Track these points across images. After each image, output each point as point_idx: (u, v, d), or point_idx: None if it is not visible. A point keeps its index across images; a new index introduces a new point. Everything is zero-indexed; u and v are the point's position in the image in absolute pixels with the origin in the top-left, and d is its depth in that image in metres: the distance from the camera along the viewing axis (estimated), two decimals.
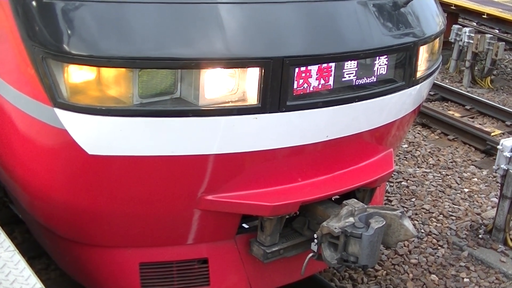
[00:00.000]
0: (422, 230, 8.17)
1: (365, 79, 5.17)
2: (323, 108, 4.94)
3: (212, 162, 4.77)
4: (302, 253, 5.46)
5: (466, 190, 9.42)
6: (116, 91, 4.43)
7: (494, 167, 7.87)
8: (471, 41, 14.31)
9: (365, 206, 5.21)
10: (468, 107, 12.91)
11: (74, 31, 4.34)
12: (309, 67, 4.76)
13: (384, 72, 5.28)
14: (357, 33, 5.06)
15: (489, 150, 10.73)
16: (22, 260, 4.07)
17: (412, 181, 9.49)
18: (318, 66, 4.81)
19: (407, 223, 5.16)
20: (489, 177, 9.91)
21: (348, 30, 5.03)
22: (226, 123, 4.61)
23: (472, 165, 10.40)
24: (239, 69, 4.62)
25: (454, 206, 8.85)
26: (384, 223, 5.04)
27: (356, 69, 5.05)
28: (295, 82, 4.72)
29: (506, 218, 7.80)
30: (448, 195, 9.17)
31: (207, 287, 5.46)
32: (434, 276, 7.31)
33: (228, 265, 5.51)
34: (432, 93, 13.11)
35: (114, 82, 4.42)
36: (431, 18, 5.86)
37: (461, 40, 14.61)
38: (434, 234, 8.11)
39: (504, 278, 7.38)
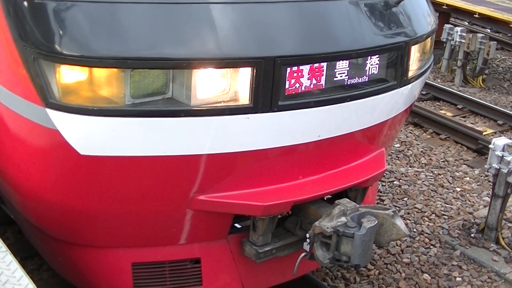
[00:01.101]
0: (414, 230, 8.19)
1: (357, 78, 5.18)
2: (315, 108, 4.94)
3: (204, 162, 4.77)
4: (295, 252, 5.47)
5: (458, 189, 9.43)
6: (108, 91, 4.43)
7: (486, 166, 7.88)
8: (463, 41, 14.34)
9: (357, 205, 5.22)
10: (460, 107, 12.93)
11: (66, 31, 4.34)
12: (301, 67, 4.77)
13: (375, 72, 5.29)
14: (348, 33, 5.07)
15: (481, 149, 10.75)
16: (14, 261, 4.06)
17: (404, 181, 9.50)
18: (310, 66, 4.82)
19: (399, 222, 5.17)
20: (481, 176, 9.93)
21: (339, 30, 5.04)
22: (218, 123, 4.62)
23: (464, 164, 10.42)
24: (231, 69, 4.62)
25: (446, 205, 8.87)
26: (376, 222, 5.05)
27: (348, 68, 5.06)
28: (287, 82, 4.73)
29: (498, 217, 7.82)
30: (440, 194, 9.19)
31: (199, 287, 5.46)
32: (427, 275, 7.32)
33: (221, 265, 5.51)
34: (424, 92, 13.14)
35: (106, 82, 4.42)
36: (423, 18, 5.87)
37: (452, 40, 14.64)
38: (426, 233, 8.13)
39: (496, 277, 7.40)
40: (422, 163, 10.25)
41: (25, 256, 6.66)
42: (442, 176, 9.82)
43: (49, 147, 4.69)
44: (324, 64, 4.89)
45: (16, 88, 4.61)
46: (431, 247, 7.87)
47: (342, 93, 5.10)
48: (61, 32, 4.34)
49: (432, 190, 9.28)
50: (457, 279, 7.32)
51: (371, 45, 5.16)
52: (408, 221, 8.35)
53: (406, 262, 7.52)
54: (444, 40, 14.89)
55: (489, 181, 9.28)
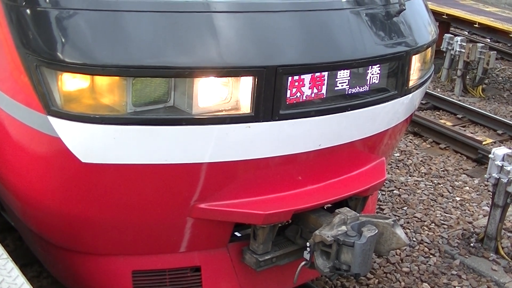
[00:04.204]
0: (414, 239, 8.19)
1: (357, 88, 5.19)
2: (316, 117, 4.95)
3: (205, 170, 4.78)
4: (295, 261, 5.47)
5: (457, 198, 9.44)
6: (110, 100, 4.44)
7: (485, 176, 7.90)
8: (463, 50, 14.34)
9: (358, 214, 5.23)
10: (459, 116, 12.93)
11: (68, 39, 4.35)
12: (302, 76, 4.78)
13: (376, 81, 5.30)
14: (350, 42, 5.09)
15: (481, 159, 10.76)
16: (16, 268, 4.06)
17: (404, 190, 9.51)
18: (311, 75, 4.83)
19: (399, 231, 5.18)
20: (480, 186, 9.93)
21: (341, 39, 5.06)
22: (219, 131, 4.63)
23: (464, 173, 10.42)
24: (233, 78, 4.63)
25: (445, 214, 8.88)
26: (377, 231, 5.06)
27: (349, 78, 5.07)
28: (288, 91, 4.74)
29: (498, 226, 7.83)
30: (440, 204, 9.19)
31: None
32: (426, 284, 7.32)
33: (221, 273, 5.51)
34: (424, 101, 13.13)
35: (108, 91, 4.43)
36: (423, 27, 5.89)
37: (452, 49, 14.64)
38: (426, 242, 8.13)
39: (495, 287, 7.39)
40: (422, 173, 10.25)
41: (25, 263, 6.65)
42: (441, 185, 9.83)
43: (50, 154, 4.69)
44: (325, 74, 4.90)
45: (18, 95, 4.61)
46: (431, 256, 7.87)
47: (343, 103, 5.11)
48: (63, 40, 4.35)
49: (431, 200, 9.29)
50: None
51: (372, 54, 5.17)
52: (407, 230, 8.35)
53: (406, 271, 7.52)
54: (444, 49, 14.89)
55: (489, 191, 9.30)
